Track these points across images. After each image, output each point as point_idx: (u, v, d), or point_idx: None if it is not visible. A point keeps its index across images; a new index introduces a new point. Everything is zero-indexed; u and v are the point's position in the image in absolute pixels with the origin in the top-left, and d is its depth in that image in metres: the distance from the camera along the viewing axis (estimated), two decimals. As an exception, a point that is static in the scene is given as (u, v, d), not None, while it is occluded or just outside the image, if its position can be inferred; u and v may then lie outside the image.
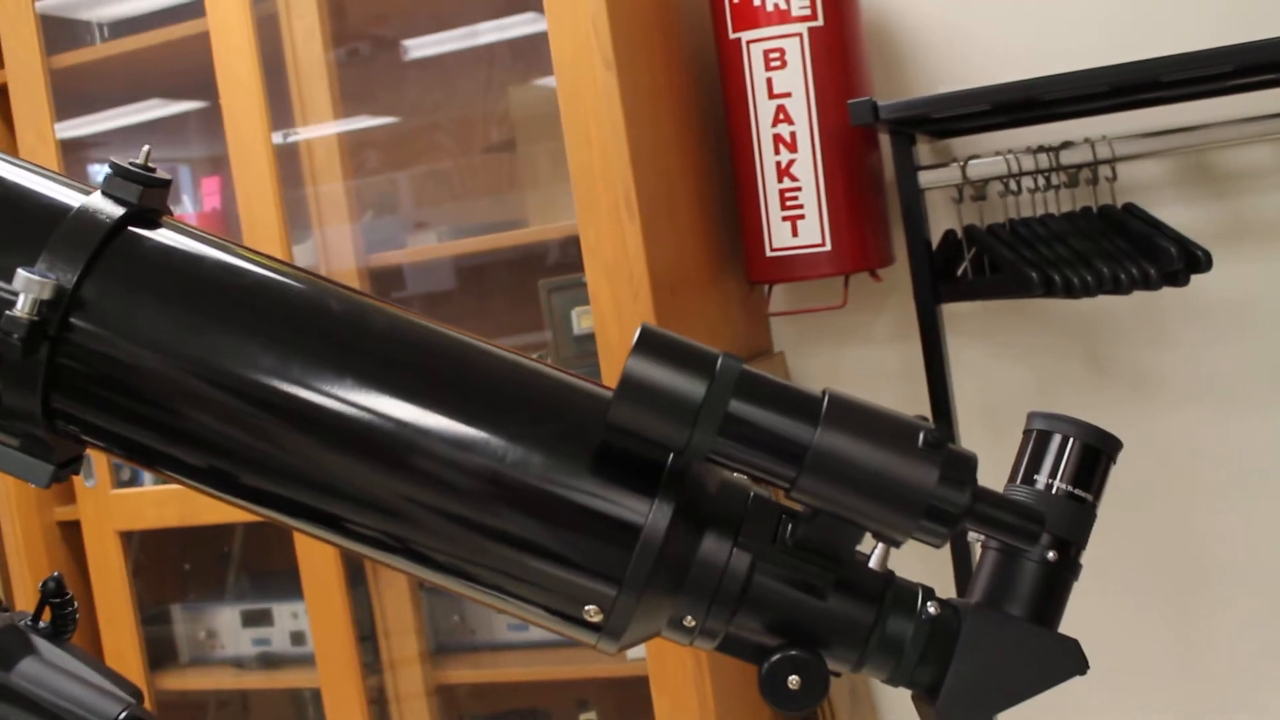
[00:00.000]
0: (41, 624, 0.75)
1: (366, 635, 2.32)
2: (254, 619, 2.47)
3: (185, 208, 2.60)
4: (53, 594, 0.76)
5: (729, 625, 0.66)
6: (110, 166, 0.69)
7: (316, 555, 2.25)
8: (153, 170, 0.69)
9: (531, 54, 2.43)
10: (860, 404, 0.64)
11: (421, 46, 2.59)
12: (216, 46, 2.26)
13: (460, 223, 2.55)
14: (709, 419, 0.62)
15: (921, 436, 0.62)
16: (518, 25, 2.47)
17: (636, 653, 2.10)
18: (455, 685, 2.36)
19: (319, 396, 0.65)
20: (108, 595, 2.43)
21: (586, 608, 0.65)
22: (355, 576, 2.30)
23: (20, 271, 0.63)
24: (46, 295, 0.63)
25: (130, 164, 0.69)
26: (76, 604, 0.77)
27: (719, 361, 0.63)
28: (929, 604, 0.67)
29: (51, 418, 0.67)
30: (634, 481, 0.65)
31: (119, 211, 0.67)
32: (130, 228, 0.67)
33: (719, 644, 0.67)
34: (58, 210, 0.67)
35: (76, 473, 0.72)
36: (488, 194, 2.59)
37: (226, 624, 2.49)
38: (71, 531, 2.52)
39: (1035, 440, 0.72)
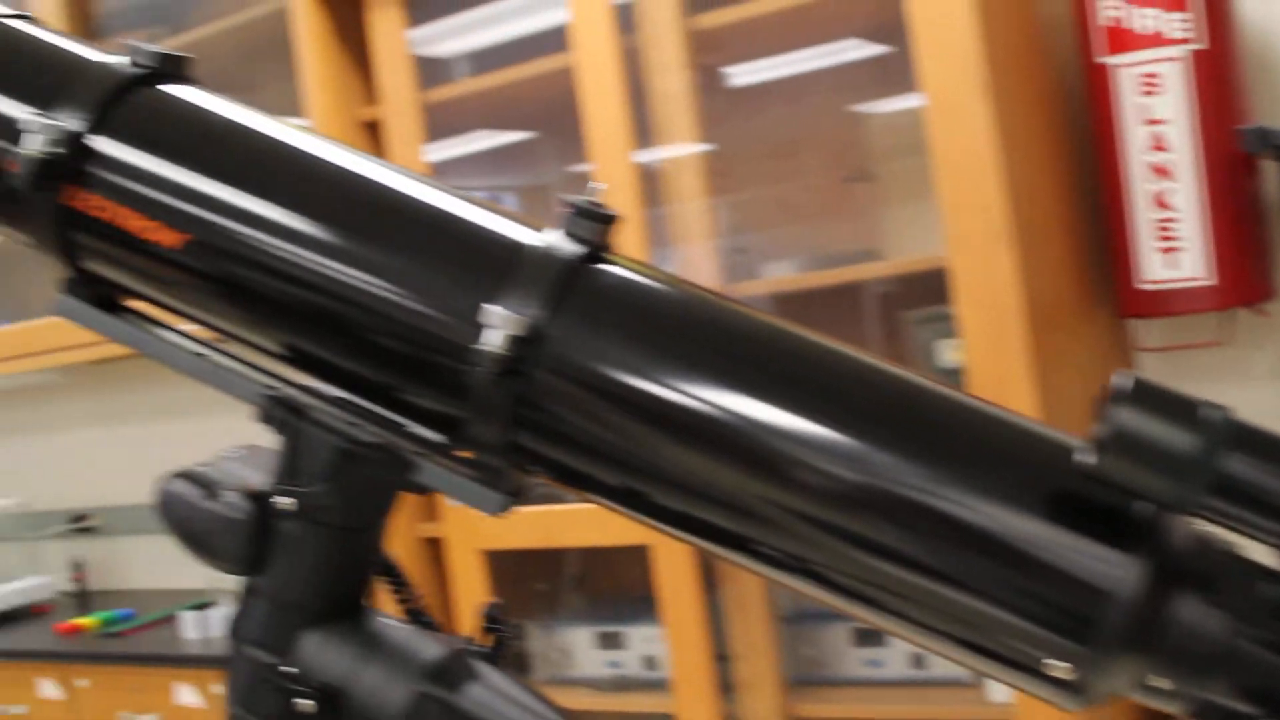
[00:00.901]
0: (481, 647, 0.79)
1: (720, 662, 2.34)
2: (607, 641, 2.53)
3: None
4: (492, 619, 0.80)
5: (1199, 689, 0.63)
6: (567, 204, 0.71)
7: (676, 581, 2.29)
8: (603, 207, 0.71)
9: (891, 79, 2.41)
10: None
11: (778, 67, 2.61)
12: (583, 77, 2.33)
13: (811, 251, 2.55)
14: (1200, 473, 0.59)
15: None
16: (876, 50, 2.46)
17: (1001, 696, 2.05)
18: (807, 719, 2.36)
19: (782, 442, 0.66)
20: (469, 612, 2.53)
21: (1049, 662, 0.63)
22: (711, 603, 2.32)
23: (495, 308, 0.67)
24: (520, 331, 0.66)
25: (585, 202, 0.71)
26: (513, 630, 0.81)
27: (1210, 413, 0.60)
28: None
29: (510, 449, 0.70)
30: (1104, 533, 0.63)
31: (580, 249, 0.69)
32: (591, 264, 0.70)
33: (1186, 707, 0.65)
34: (515, 247, 0.70)
35: (522, 502, 0.74)
36: (842, 221, 2.58)
37: (580, 645, 2.56)
38: (432, 547, 2.64)
39: None
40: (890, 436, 0.66)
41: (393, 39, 2.58)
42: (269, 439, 0.77)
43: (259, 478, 0.76)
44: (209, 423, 3.62)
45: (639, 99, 2.32)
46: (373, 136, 2.70)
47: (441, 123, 2.66)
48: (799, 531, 0.67)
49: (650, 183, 2.34)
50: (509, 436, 0.69)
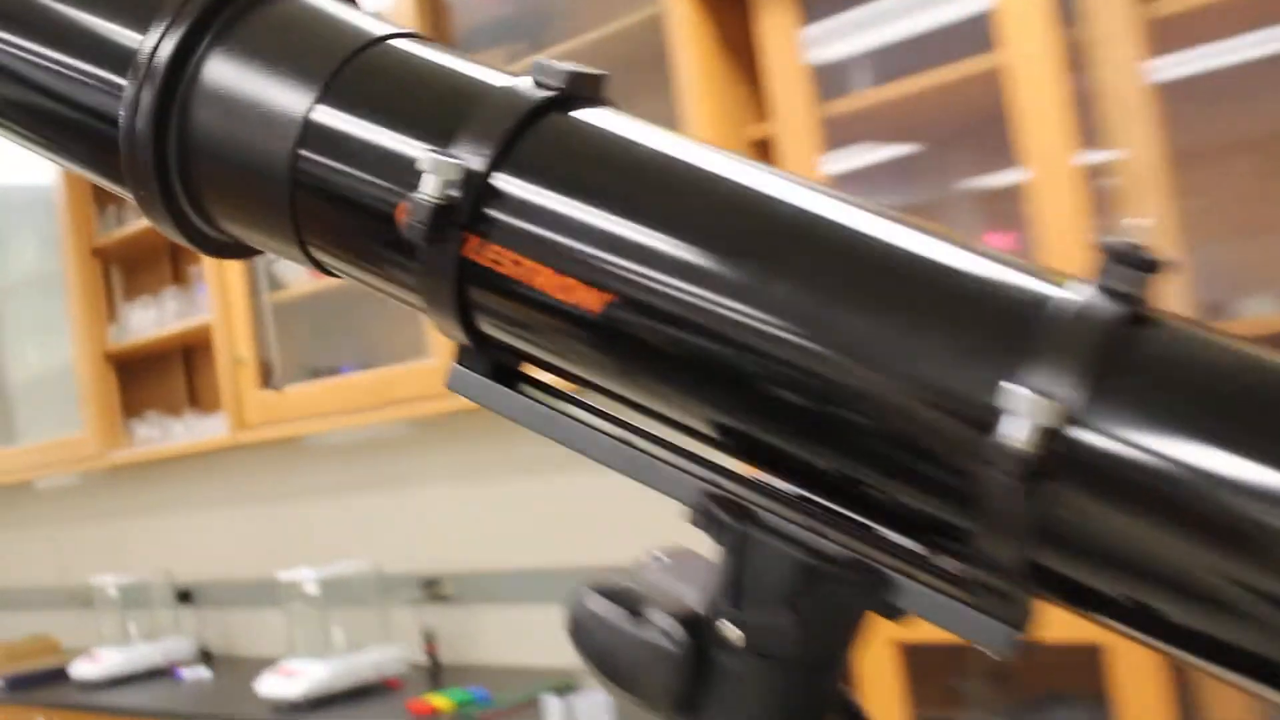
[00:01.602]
0: None
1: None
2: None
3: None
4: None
5: None
6: (1102, 248, 0.61)
7: (1139, 688, 2.16)
8: (1146, 252, 0.60)
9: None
10: None
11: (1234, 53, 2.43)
12: (1015, 78, 2.23)
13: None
14: None
15: None
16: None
17: None
18: None
19: None
20: (879, 705, 2.46)
21: None
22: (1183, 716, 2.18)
23: (1018, 389, 0.57)
24: (1053, 421, 0.56)
25: (1124, 245, 0.60)
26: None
27: None
28: None
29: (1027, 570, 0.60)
30: None
31: (1122, 309, 0.59)
32: (1137, 326, 0.60)
33: None
34: (1036, 304, 0.61)
35: (1031, 634, 0.64)
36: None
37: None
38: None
39: None
40: None
41: (784, 45, 2.55)
42: (701, 543, 0.71)
43: (693, 595, 0.69)
44: (570, 480, 3.69)
45: (1079, 98, 2.21)
46: (762, 154, 2.67)
47: (837, 135, 2.61)
48: None
49: (1094, 193, 2.22)
50: (1028, 555, 0.60)
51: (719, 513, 0.67)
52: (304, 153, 0.77)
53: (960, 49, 2.43)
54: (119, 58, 0.81)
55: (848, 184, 2.85)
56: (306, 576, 4.17)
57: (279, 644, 4.73)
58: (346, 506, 4.60)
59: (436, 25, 3.56)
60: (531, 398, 0.76)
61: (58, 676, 5.22)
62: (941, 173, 2.95)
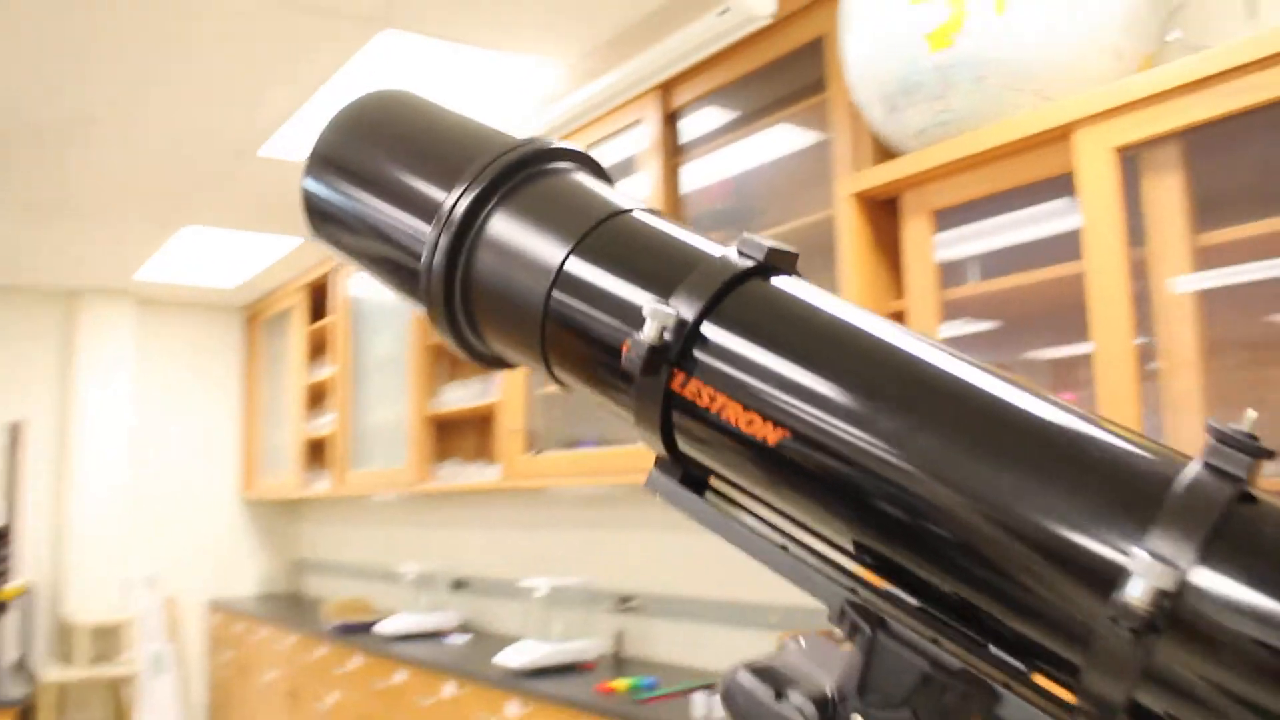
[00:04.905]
0: None
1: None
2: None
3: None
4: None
5: None
6: (1211, 432, 0.49)
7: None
8: (1255, 439, 0.49)
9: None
10: None
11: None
12: (1093, 287, 2.06)
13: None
14: None
15: None
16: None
17: None
18: None
19: None
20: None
21: None
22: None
23: (1141, 553, 0.46)
24: (1168, 585, 0.45)
25: (1234, 431, 0.49)
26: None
27: None
28: None
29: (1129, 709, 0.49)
30: None
31: (1232, 487, 0.48)
32: (1243, 502, 0.48)
33: None
34: (1163, 481, 0.49)
35: None
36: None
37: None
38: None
39: None
40: None
41: (920, 245, 2.41)
42: (839, 636, 0.59)
43: (826, 679, 0.58)
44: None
45: (1138, 297, 2.02)
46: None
47: (952, 312, 2.46)
48: None
49: (1144, 370, 2.02)
50: (1131, 694, 0.47)
51: (856, 618, 0.57)
52: (556, 293, 0.70)
53: (1054, 255, 2.27)
54: (427, 209, 0.76)
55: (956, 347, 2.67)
56: (539, 583, 4.07)
57: (516, 627, 4.63)
58: (573, 540, 4.50)
59: (675, 212, 3.51)
60: (712, 505, 0.67)
61: (368, 629, 5.20)
62: (1023, 344, 2.75)
